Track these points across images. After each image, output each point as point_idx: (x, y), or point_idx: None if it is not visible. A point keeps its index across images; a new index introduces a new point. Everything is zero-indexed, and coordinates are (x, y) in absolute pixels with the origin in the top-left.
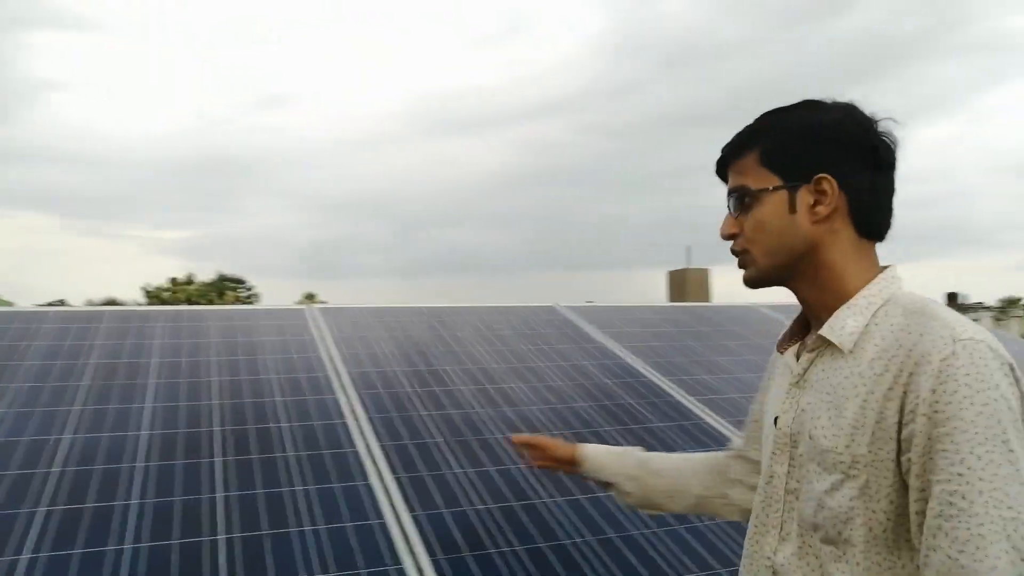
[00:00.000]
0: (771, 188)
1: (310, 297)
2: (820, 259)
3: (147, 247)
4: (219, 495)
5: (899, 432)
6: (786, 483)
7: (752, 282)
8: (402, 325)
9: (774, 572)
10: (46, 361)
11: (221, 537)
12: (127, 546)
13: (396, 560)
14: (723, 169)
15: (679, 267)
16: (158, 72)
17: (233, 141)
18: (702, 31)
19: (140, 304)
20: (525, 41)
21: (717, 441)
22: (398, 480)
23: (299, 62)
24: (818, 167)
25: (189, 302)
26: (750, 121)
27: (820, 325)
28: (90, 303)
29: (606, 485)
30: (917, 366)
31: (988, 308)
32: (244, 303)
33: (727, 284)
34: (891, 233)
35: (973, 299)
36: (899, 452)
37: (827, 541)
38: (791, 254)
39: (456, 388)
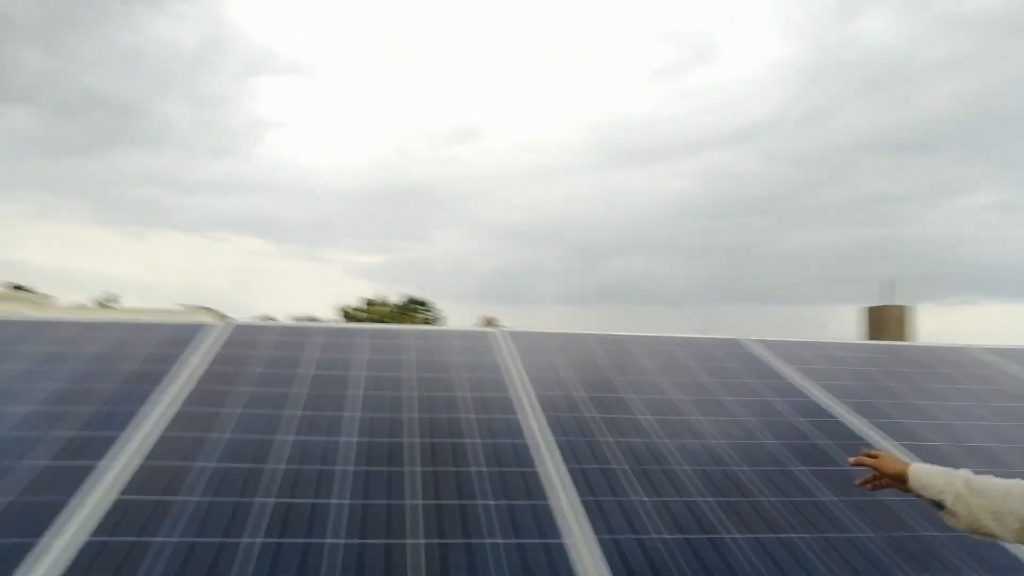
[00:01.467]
0: None
1: (490, 321)
2: None
3: (344, 270)
4: (413, 502)
5: None
6: None
7: None
8: (585, 351)
9: None
10: (267, 369)
11: (415, 541)
12: (334, 541)
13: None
14: None
15: (875, 303)
16: (360, 110)
17: (423, 172)
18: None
19: (337, 322)
20: (709, 68)
21: None
22: (584, 503)
23: (487, 96)
24: None
25: (381, 322)
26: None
27: None
28: (296, 319)
29: (935, 505)
30: None
31: None
32: (430, 324)
33: (931, 323)
34: None
35: None
36: None
37: None
38: None
39: (639, 417)
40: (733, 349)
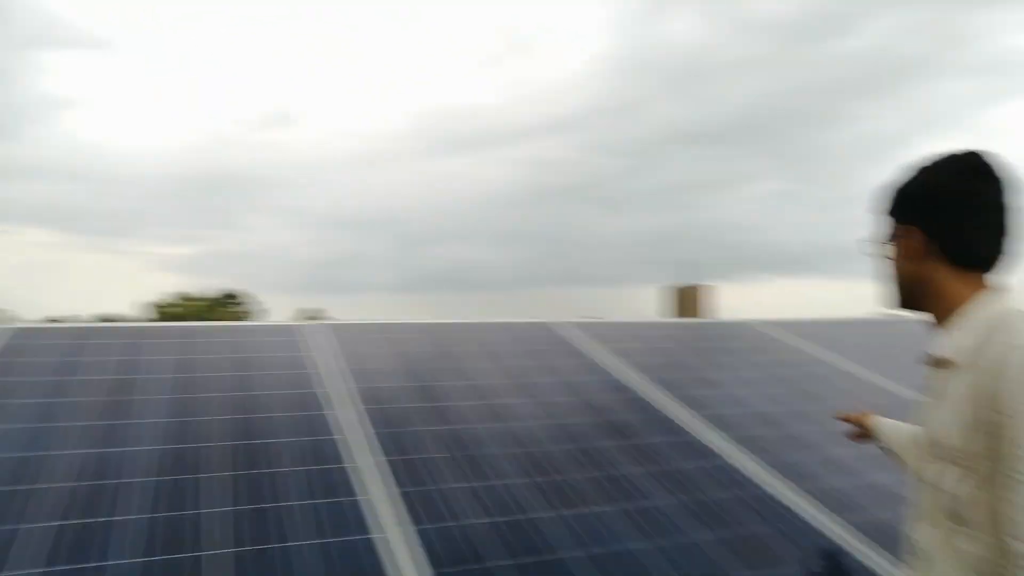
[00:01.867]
0: (896, 235)
1: (314, 312)
2: (929, 291)
3: (151, 263)
4: (215, 511)
5: (993, 428)
6: (922, 475)
7: (901, 306)
8: (401, 340)
9: (918, 549)
10: (50, 377)
11: (216, 552)
12: (118, 562)
13: (398, 572)
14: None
15: (678, 284)
16: (163, 89)
17: (238, 158)
18: (710, 49)
19: (140, 319)
20: (530, 60)
21: (708, 456)
22: (401, 494)
23: (303, 81)
24: (906, 220)
25: (196, 317)
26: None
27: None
28: (92, 318)
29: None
30: (1006, 373)
31: None
32: (246, 318)
33: (730, 301)
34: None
35: None
36: (997, 443)
37: (957, 522)
38: (912, 286)
39: (458, 404)
40: (545, 332)
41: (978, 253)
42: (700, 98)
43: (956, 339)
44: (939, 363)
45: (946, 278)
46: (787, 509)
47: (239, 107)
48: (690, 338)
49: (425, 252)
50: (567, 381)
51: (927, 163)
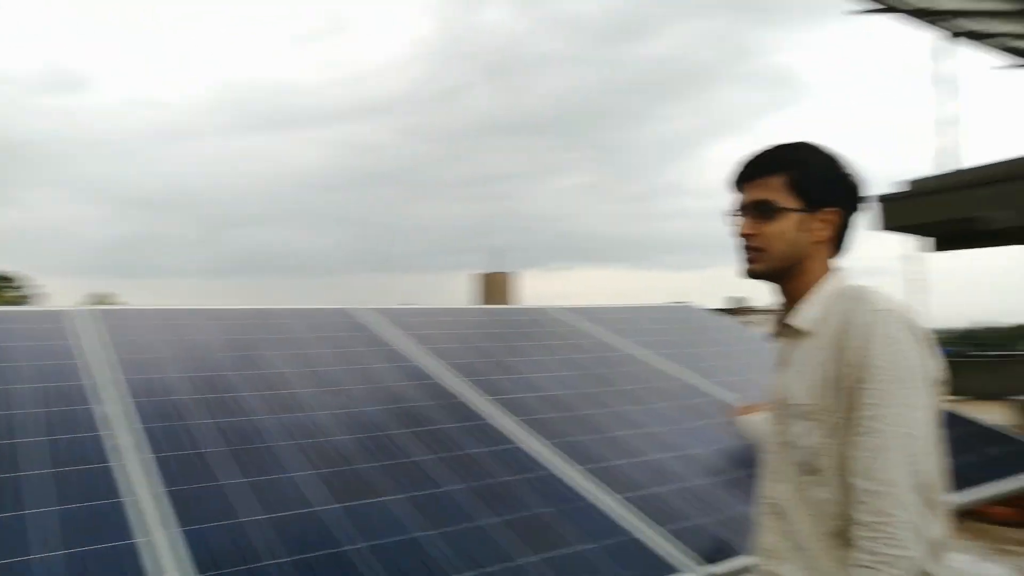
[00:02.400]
0: (794, 208)
1: (104, 298)
2: (805, 267)
3: None
4: None
5: (839, 381)
6: (777, 438)
7: (758, 275)
8: (184, 328)
9: (773, 505)
10: None
11: None
12: None
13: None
14: (745, 178)
15: (485, 271)
16: None
17: (11, 123)
18: (523, 42)
19: None
20: (350, 40)
21: (500, 441)
22: (169, 494)
23: (99, 41)
24: (827, 202)
25: None
26: (769, 146)
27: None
28: None
29: None
30: (848, 331)
31: (764, 310)
32: (19, 303)
33: (537, 287)
34: (685, 243)
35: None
36: (844, 397)
37: (810, 472)
38: (792, 260)
39: (242, 395)
40: (344, 319)
41: (850, 242)
42: (514, 89)
43: (808, 311)
44: (792, 333)
45: (822, 259)
46: (571, 490)
47: (15, 65)
48: (488, 324)
49: (234, 234)
50: (363, 368)
51: (830, 153)
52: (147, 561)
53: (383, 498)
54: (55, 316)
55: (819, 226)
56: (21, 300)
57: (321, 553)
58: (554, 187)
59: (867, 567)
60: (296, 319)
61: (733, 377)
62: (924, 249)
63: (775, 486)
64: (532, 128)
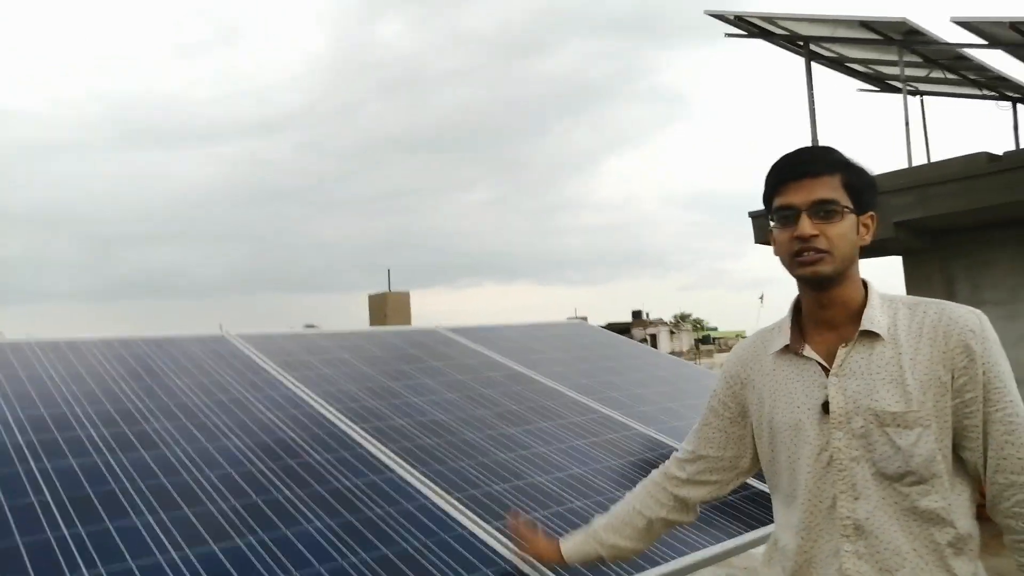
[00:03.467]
0: (852, 210)
1: None
2: (852, 272)
3: None
4: None
5: (953, 384)
6: (849, 453)
7: (825, 277)
8: (26, 362)
9: (857, 526)
10: None
11: None
12: None
13: None
14: (803, 176)
15: (377, 291)
16: None
17: None
18: (419, 58)
19: None
20: (240, 53)
21: (377, 470)
22: None
23: None
24: (871, 206)
25: None
26: (807, 148)
27: (832, 326)
28: None
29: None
30: (962, 336)
31: (665, 323)
32: None
33: (441, 305)
34: (586, 258)
35: (654, 315)
36: (953, 399)
37: (917, 482)
38: (850, 264)
39: (84, 433)
40: (216, 345)
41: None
42: (414, 105)
43: (877, 317)
44: (863, 338)
45: (858, 265)
46: (443, 519)
47: None
48: (368, 347)
49: (123, 255)
50: (227, 399)
51: (853, 158)
52: None
53: (226, 544)
54: None
55: (864, 230)
56: None
57: None
58: (457, 203)
59: None
60: (155, 347)
61: (620, 394)
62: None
63: (853, 505)
64: (432, 144)
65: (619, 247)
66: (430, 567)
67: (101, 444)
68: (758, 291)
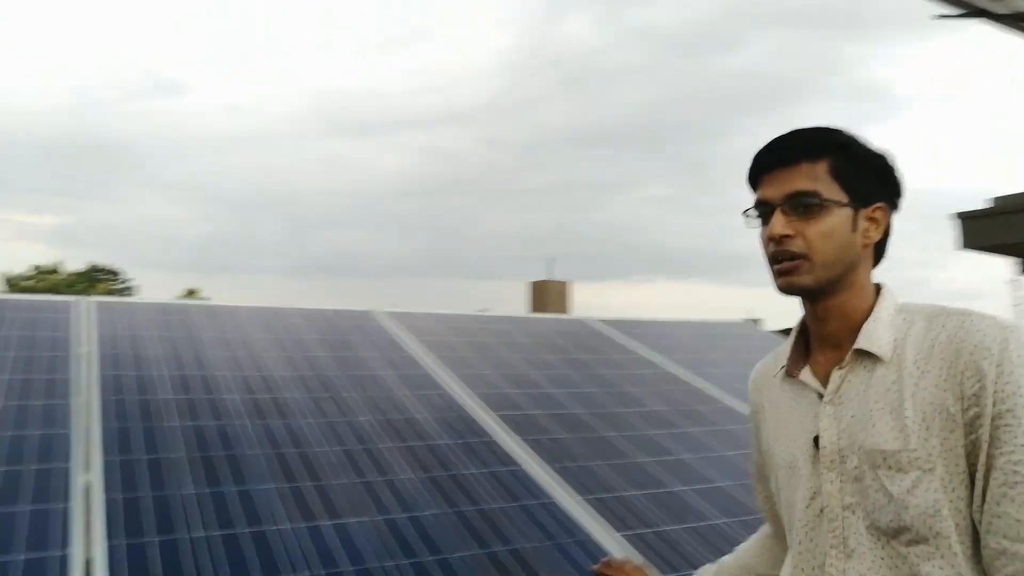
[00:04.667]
0: (842, 202)
1: (192, 292)
2: (853, 279)
3: (14, 232)
4: None
5: (964, 416)
6: (841, 500)
7: (803, 289)
8: (184, 324)
9: None
10: None
11: None
12: None
13: None
14: (776, 165)
15: (539, 279)
16: (33, 44)
17: (115, 125)
18: (603, 53)
19: None
20: (431, 47)
21: (503, 461)
22: (109, 502)
23: (194, 50)
24: (876, 196)
25: (55, 293)
26: (803, 128)
27: (835, 344)
28: None
29: None
30: (973, 355)
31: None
32: (119, 295)
33: (591, 297)
34: (751, 260)
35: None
36: (966, 436)
37: (916, 541)
38: (840, 269)
39: (222, 397)
40: (363, 321)
41: (887, 249)
42: (593, 100)
43: (878, 334)
44: (861, 358)
45: (868, 270)
46: (566, 521)
47: (119, 71)
48: (515, 332)
49: (316, 236)
50: (363, 375)
51: (865, 140)
52: (72, 573)
53: (338, 521)
54: (61, 306)
55: (868, 226)
56: (122, 292)
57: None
58: (632, 199)
59: None
60: (304, 319)
61: None
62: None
63: (844, 564)
64: (611, 139)
65: None
66: (545, 571)
67: (242, 409)
68: (962, 303)
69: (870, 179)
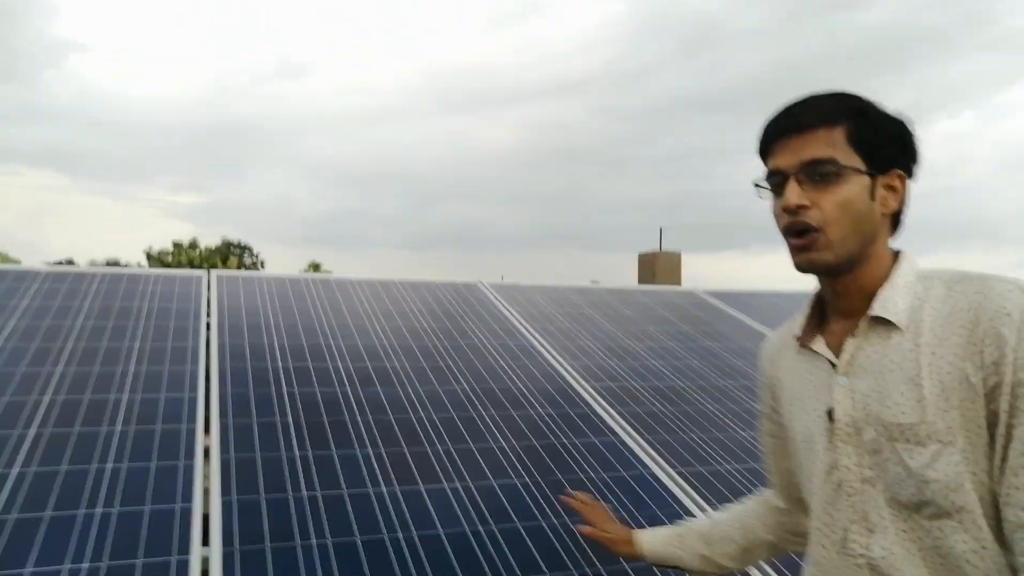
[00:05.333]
0: (861, 170)
1: (315, 267)
2: (872, 251)
3: (160, 210)
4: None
5: (984, 386)
6: (860, 474)
7: (824, 267)
8: (300, 295)
9: (873, 567)
10: None
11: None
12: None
13: (184, 550)
14: (790, 131)
15: (647, 251)
16: (174, 38)
17: (245, 109)
18: (720, 17)
19: (142, 265)
20: (543, 21)
21: (600, 432)
22: (224, 462)
23: (315, 32)
24: (894, 163)
25: (192, 266)
26: (817, 93)
27: (850, 313)
28: (93, 263)
29: (672, 567)
30: (993, 321)
31: None
32: (249, 269)
33: (709, 268)
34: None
35: None
36: (987, 406)
37: (939, 516)
38: (863, 241)
39: (332, 365)
40: (468, 293)
41: (905, 219)
42: (711, 65)
43: (893, 300)
44: (876, 326)
45: (886, 241)
46: (663, 493)
47: (249, 58)
48: (617, 303)
49: (431, 210)
50: (466, 345)
51: (882, 105)
52: (194, 526)
53: (434, 486)
54: (190, 280)
55: (886, 194)
56: (252, 266)
57: (359, 537)
58: (752, 166)
59: None
60: (412, 291)
61: None
62: None
63: (867, 539)
64: (729, 104)
65: (942, 216)
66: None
67: (344, 377)
68: None
69: (889, 145)
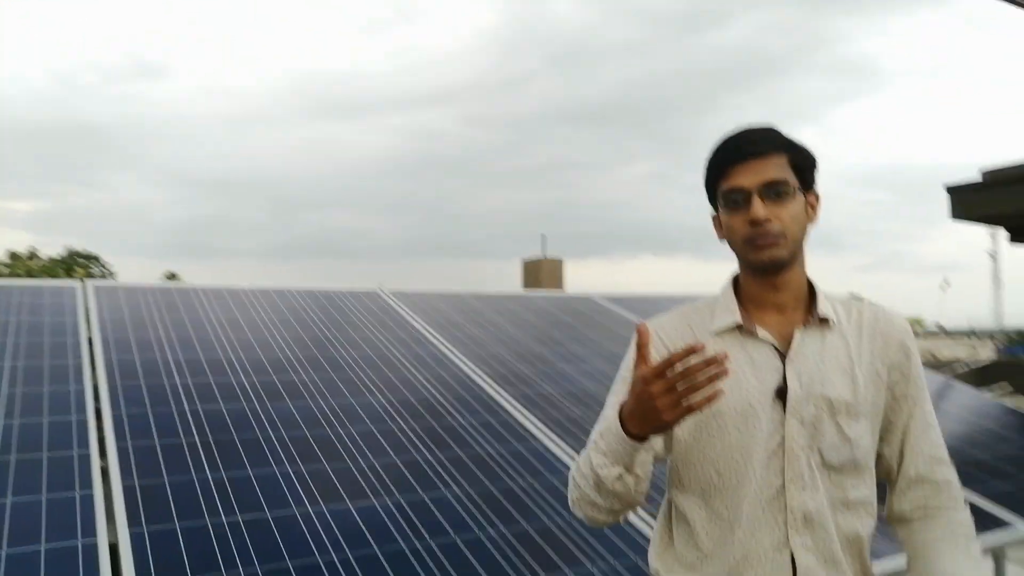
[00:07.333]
0: (799, 189)
1: (172, 277)
2: (801, 255)
3: None
4: None
5: (889, 379)
6: (800, 441)
7: (781, 261)
8: (191, 307)
9: (807, 518)
10: None
11: None
12: None
13: None
14: (751, 156)
15: (531, 258)
16: (6, 28)
17: (94, 109)
18: (590, 32)
19: None
20: (414, 29)
21: (521, 438)
22: (128, 488)
23: (174, 33)
24: (813, 185)
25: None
26: (749, 126)
27: (780, 309)
28: None
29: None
30: (902, 336)
31: None
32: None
33: (579, 275)
34: None
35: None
36: (887, 394)
37: (851, 472)
38: (799, 245)
39: (235, 379)
40: (370, 301)
41: None
42: (580, 78)
43: (827, 304)
44: (816, 324)
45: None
46: None
47: (99, 55)
48: (521, 311)
49: (300, 218)
50: (375, 355)
51: (793, 136)
52: (100, 561)
53: (361, 503)
54: (64, 291)
55: (811, 211)
56: (102, 279)
57: (289, 562)
58: (618, 176)
59: (963, 510)
60: (311, 299)
61: None
62: (998, 242)
63: (802, 495)
64: (598, 118)
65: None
66: (571, 546)
67: (251, 392)
68: (941, 275)
69: (812, 171)
